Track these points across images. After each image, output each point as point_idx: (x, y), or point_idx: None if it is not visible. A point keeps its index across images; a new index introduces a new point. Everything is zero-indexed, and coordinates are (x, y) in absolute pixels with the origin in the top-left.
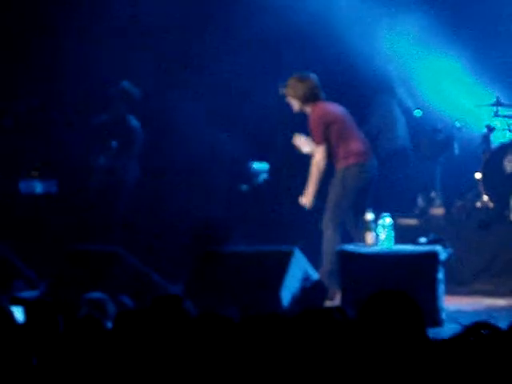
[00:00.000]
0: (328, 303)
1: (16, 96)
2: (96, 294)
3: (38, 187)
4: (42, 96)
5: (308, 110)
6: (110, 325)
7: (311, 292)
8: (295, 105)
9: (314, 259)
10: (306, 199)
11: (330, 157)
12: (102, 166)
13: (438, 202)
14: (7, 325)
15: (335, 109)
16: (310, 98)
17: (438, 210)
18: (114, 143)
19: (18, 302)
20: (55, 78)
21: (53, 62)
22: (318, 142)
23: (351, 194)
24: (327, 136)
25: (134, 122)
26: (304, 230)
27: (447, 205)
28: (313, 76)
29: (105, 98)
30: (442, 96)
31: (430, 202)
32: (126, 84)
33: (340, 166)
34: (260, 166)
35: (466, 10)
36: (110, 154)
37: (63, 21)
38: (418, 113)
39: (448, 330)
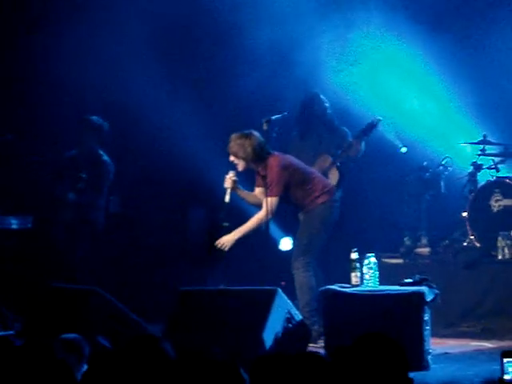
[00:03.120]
0: (312, 345)
1: None
2: (71, 335)
3: (13, 223)
4: (16, 130)
5: (258, 165)
6: (85, 366)
7: (294, 333)
8: (241, 163)
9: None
10: (227, 242)
11: (295, 204)
12: (72, 201)
13: (423, 241)
14: None
15: (290, 158)
16: (262, 153)
17: (423, 250)
18: (84, 175)
19: None
20: (29, 110)
21: (25, 94)
22: (274, 194)
23: (327, 229)
24: (287, 187)
25: (105, 156)
26: (286, 270)
27: (433, 244)
28: (254, 131)
29: (75, 132)
30: (428, 133)
31: (415, 241)
32: (94, 118)
33: (313, 205)
34: None
35: (456, 43)
36: (80, 189)
37: (37, 45)
38: (403, 150)
39: (434, 373)
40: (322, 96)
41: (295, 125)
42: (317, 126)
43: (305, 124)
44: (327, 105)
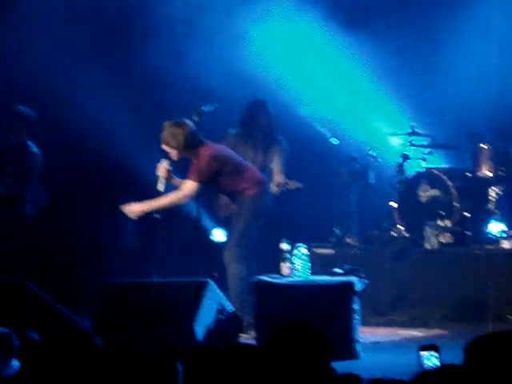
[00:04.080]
0: (243, 336)
1: None
2: (0, 329)
3: None
4: None
5: (190, 154)
6: (14, 361)
7: (226, 325)
8: (173, 152)
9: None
10: (134, 210)
11: (226, 194)
12: (0, 195)
13: (353, 231)
14: None
15: (223, 149)
16: (193, 142)
17: (353, 240)
18: (10, 169)
19: None
20: None
21: None
22: (196, 180)
23: (259, 221)
24: (217, 176)
25: (34, 148)
26: (218, 261)
27: (363, 234)
28: (187, 120)
29: (1, 122)
30: (358, 124)
31: (345, 232)
32: (21, 108)
33: (244, 196)
34: None
35: (383, 36)
36: (8, 183)
37: None
38: (334, 141)
39: (363, 362)
40: (269, 107)
41: (236, 125)
42: (257, 133)
43: (246, 129)
44: (271, 115)
